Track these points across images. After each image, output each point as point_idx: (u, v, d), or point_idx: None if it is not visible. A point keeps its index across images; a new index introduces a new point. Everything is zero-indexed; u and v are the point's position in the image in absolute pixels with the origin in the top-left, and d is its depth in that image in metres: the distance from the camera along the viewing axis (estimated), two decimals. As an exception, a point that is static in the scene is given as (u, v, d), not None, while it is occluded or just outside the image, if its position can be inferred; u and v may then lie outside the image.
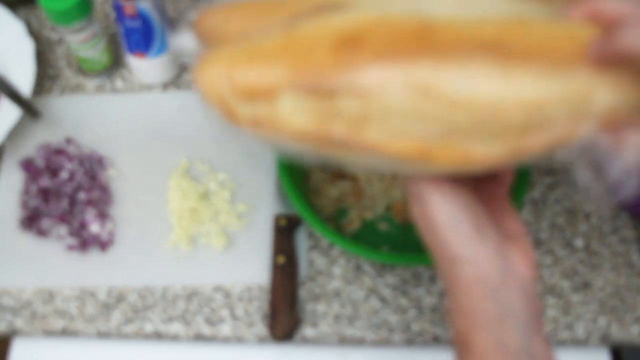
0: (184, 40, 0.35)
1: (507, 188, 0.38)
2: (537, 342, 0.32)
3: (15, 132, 0.62)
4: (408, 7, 0.29)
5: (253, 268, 0.56)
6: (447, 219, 0.32)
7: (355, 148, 0.29)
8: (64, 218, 0.58)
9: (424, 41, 0.27)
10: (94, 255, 0.57)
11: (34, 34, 0.69)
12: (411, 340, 0.54)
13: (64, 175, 0.59)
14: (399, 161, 0.30)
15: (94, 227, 0.57)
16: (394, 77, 0.27)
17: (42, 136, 0.63)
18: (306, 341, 0.54)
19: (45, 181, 0.59)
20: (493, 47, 0.27)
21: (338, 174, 0.58)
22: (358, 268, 0.57)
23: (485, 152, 0.29)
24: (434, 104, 0.27)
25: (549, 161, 0.31)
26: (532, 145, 0.29)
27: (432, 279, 0.56)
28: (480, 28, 0.27)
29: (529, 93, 0.27)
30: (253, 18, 0.32)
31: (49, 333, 0.55)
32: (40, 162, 0.61)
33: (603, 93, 0.28)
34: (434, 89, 0.27)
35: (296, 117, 0.29)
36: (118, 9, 0.57)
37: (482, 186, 0.36)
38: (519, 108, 0.27)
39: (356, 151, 0.30)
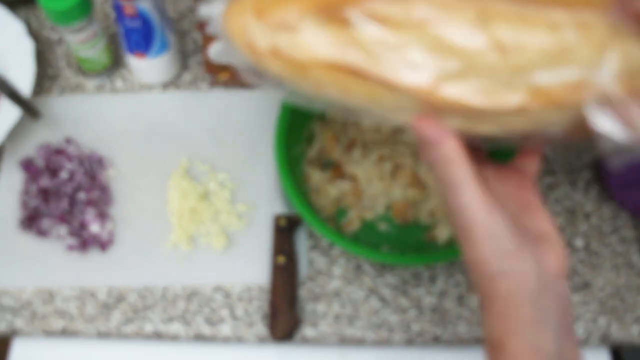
0: (213, 9, 0.36)
1: (534, 179, 0.37)
2: (569, 347, 0.32)
3: (15, 132, 0.62)
4: None
5: (253, 268, 0.56)
6: (489, 232, 0.31)
7: (370, 78, 0.30)
8: (64, 218, 0.58)
9: None
10: (94, 255, 0.57)
11: (34, 34, 0.69)
12: (411, 340, 0.54)
13: (63, 175, 0.59)
14: (406, 99, 0.30)
15: (94, 227, 0.57)
16: (414, 11, 0.28)
17: (42, 136, 0.63)
18: (306, 341, 0.54)
19: (45, 181, 0.59)
20: None
21: (338, 173, 0.58)
22: (358, 268, 0.57)
23: (504, 96, 0.29)
24: (451, 41, 0.28)
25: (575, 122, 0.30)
26: (553, 89, 0.28)
27: (432, 279, 0.56)
28: None
29: (545, 38, 0.28)
30: None
31: (49, 333, 0.55)
32: (40, 162, 0.61)
33: (619, 48, 0.28)
34: (452, 20, 0.28)
35: (315, 46, 0.30)
36: (118, 9, 0.57)
37: (508, 178, 0.36)
38: (536, 50, 0.27)
39: (369, 84, 0.30)
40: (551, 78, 0.29)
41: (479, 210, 0.31)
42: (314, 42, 0.31)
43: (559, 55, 0.28)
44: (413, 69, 0.29)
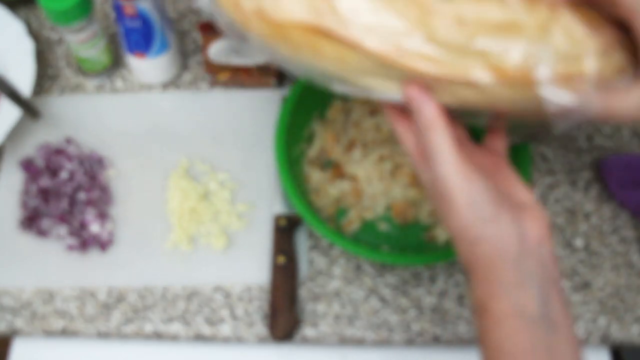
0: None
1: (505, 157, 0.39)
2: (555, 308, 0.33)
3: (15, 132, 0.62)
4: None
5: (253, 268, 0.56)
6: (469, 200, 0.33)
7: (339, 40, 0.33)
8: (64, 218, 0.58)
9: None
10: (94, 255, 0.57)
11: (34, 34, 0.69)
12: (411, 340, 0.54)
13: (63, 175, 0.59)
14: (371, 62, 0.33)
15: (94, 227, 0.58)
16: None
17: (42, 136, 0.63)
18: (306, 341, 0.54)
19: (45, 181, 0.59)
20: None
21: (338, 173, 0.58)
22: (358, 268, 0.57)
23: (458, 68, 0.32)
24: (417, 10, 0.31)
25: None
26: (502, 62, 0.31)
27: (432, 279, 0.56)
28: None
29: (498, 14, 0.31)
30: None
31: (49, 333, 0.55)
32: (40, 162, 0.61)
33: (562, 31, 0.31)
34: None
35: (293, 9, 0.33)
36: (118, 9, 0.57)
37: (485, 156, 0.38)
38: (491, 25, 0.31)
39: (339, 46, 0.33)
40: (502, 52, 0.31)
41: (458, 177, 0.33)
42: (293, 5, 0.33)
43: (510, 31, 0.31)
44: (379, 35, 0.32)
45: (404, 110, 0.37)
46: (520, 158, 0.52)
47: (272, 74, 0.64)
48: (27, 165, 0.60)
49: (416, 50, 0.32)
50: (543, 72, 0.31)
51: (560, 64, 0.31)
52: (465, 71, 0.32)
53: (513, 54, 0.31)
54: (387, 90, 0.35)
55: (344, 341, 0.54)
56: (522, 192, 0.37)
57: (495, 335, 0.33)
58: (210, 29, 0.60)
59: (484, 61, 0.32)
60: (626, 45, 0.33)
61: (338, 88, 0.37)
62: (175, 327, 0.55)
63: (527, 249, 0.34)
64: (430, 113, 0.34)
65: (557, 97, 0.32)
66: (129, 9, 0.57)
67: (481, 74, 0.32)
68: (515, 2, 0.31)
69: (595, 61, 0.32)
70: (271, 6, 0.34)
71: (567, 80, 0.31)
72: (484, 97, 0.33)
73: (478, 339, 0.35)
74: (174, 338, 0.55)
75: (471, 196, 0.33)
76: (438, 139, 0.33)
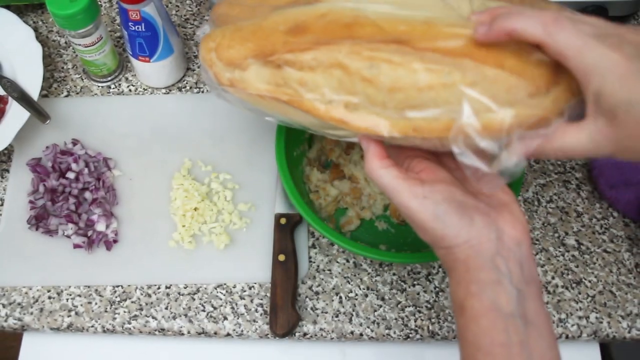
0: (205, 30, 0.47)
1: None
2: (531, 306, 0.34)
3: (24, 134, 0.64)
4: (353, 4, 0.38)
5: (254, 266, 0.58)
6: (430, 216, 0.36)
7: (298, 108, 0.38)
8: (70, 217, 0.59)
9: (349, 30, 0.36)
10: (100, 254, 0.59)
11: (42, 38, 0.71)
12: (408, 336, 0.55)
13: (70, 175, 0.61)
14: (329, 124, 0.38)
15: (100, 227, 0.59)
16: (322, 57, 0.36)
17: (49, 137, 0.64)
18: (306, 337, 0.56)
19: (52, 181, 0.60)
20: (398, 40, 0.34)
21: (337, 174, 0.60)
22: (357, 266, 0.58)
23: (390, 123, 0.36)
24: (350, 80, 0.36)
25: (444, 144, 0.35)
26: (424, 122, 0.35)
27: (429, 277, 0.58)
28: (396, 26, 0.35)
29: (419, 78, 0.34)
30: (249, 7, 0.43)
31: (57, 329, 0.56)
32: (47, 163, 0.62)
33: (481, 88, 0.33)
34: (350, 68, 0.35)
35: (257, 82, 0.40)
36: (123, 14, 0.59)
37: (449, 171, 0.39)
38: (413, 88, 0.34)
39: (299, 111, 0.39)
40: (420, 114, 0.35)
41: (415, 201, 0.36)
42: (256, 80, 0.40)
43: (428, 95, 0.34)
44: (326, 103, 0.38)
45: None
46: None
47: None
48: (35, 166, 0.62)
49: (360, 118, 0.37)
50: (464, 127, 0.33)
51: (481, 116, 0.33)
52: (399, 130, 0.36)
53: (435, 114, 0.34)
54: (347, 136, 0.40)
55: (343, 337, 0.56)
56: (502, 194, 0.38)
57: (472, 331, 0.34)
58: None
59: (411, 124, 0.35)
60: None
61: (311, 132, 0.42)
62: (179, 324, 0.56)
63: (504, 248, 0.35)
64: (371, 156, 0.38)
65: (471, 162, 0.34)
66: (133, 14, 0.58)
67: (401, 131, 0.36)
68: (436, 59, 0.34)
69: (524, 107, 0.33)
70: (240, 79, 0.40)
71: (488, 130, 0.33)
72: (409, 142, 0.37)
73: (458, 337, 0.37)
74: (178, 334, 0.56)
75: (432, 212, 0.36)
76: (384, 176, 0.37)
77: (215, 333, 0.56)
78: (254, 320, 0.56)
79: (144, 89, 0.68)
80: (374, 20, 0.36)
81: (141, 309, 0.56)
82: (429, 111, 0.34)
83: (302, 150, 0.60)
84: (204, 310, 0.56)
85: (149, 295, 0.57)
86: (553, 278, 0.57)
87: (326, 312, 0.56)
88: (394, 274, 0.58)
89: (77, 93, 0.68)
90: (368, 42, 0.35)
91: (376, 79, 0.35)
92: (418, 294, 0.57)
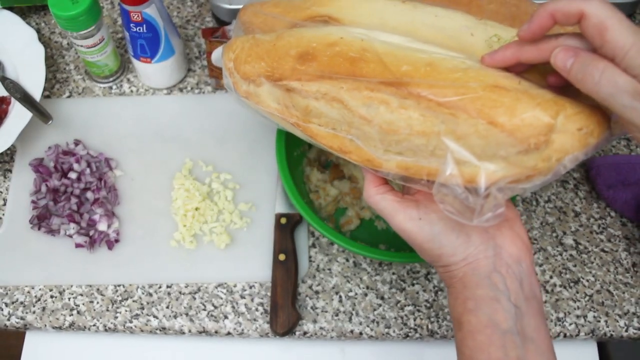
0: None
1: None
2: (530, 323, 0.34)
3: (26, 134, 0.64)
4: (365, 32, 0.39)
5: (255, 265, 0.58)
6: (427, 237, 0.37)
7: (305, 132, 0.41)
8: (72, 217, 0.59)
9: (353, 66, 0.37)
10: (101, 253, 0.59)
11: (44, 39, 0.71)
12: (408, 335, 0.56)
13: (72, 175, 0.61)
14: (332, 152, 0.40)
15: (101, 226, 0.59)
16: (325, 90, 0.38)
17: (51, 138, 0.64)
18: (306, 336, 0.56)
19: (54, 181, 0.61)
20: (398, 83, 0.35)
21: (337, 174, 0.60)
22: (356, 265, 0.59)
23: (383, 159, 0.37)
24: (350, 114, 0.37)
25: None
26: (414, 165, 0.36)
27: (429, 276, 0.58)
28: (400, 64, 0.36)
29: (413, 124, 0.35)
30: (271, 18, 0.45)
31: (59, 328, 0.57)
32: (49, 163, 0.63)
33: (473, 139, 0.33)
34: (349, 105, 0.37)
35: (269, 99, 0.42)
36: (125, 16, 0.59)
37: None
38: (406, 132, 0.35)
39: (304, 134, 0.41)
40: (410, 158, 0.36)
41: (410, 223, 0.37)
42: (268, 97, 0.42)
43: (420, 140, 0.35)
44: (329, 132, 0.39)
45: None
46: None
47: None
48: (38, 166, 0.62)
49: (356, 152, 0.39)
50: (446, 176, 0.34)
51: (462, 168, 0.34)
52: (388, 167, 0.37)
53: (423, 159, 0.36)
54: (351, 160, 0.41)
55: (343, 336, 0.56)
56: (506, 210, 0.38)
57: (469, 347, 0.35)
58: (213, 35, 0.62)
59: (400, 163, 0.37)
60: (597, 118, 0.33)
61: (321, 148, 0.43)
62: (180, 323, 0.56)
63: (502, 265, 0.35)
64: (368, 183, 0.39)
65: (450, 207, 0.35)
66: (135, 16, 0.59)
67: (389, 167, 0.37)
68: (432, 107, 0.34)
69: (510, 164, 0.33)
70: (255, 93, 0.42)
71: (468, 182, 0.34)
72: (403, 179, 0.38)
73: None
74: (179, 333, 0.57)
75: (428, 232, 0.36)
76: (380, 202, 0.38)
77: (216, 332, 0.56)
78: (255, 319, 0.56)
79: (145, 89, 0.68)
80: (380, 55, 0.36)
81: (142, 308, 0.57)
82: (419, 156, 0.35)
83: (302, 150, 0.61)
84: (204, 310, 0.57)
85: (150, 295, 0.57)
86: (551, 277, 0.58)
87: (326, 311, 0.56)
88: (393, 274, 0.58)
89: (79, 94, 0.68)
90: (369, 82, 0.36)
91: (373, 119, 0.36)
92: (417, 293, 0.57)
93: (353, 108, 0.37)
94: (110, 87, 0.68)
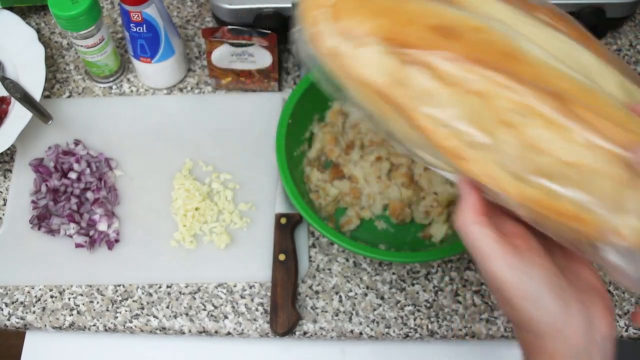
0: None
1: None
2: None
3: (26, 134, 0.64)
4: (509, 32, 0.32)
5: (255, 265, 0.58)
6: (524, 294, 0.31)
7: (406, 118, 0.32)
8: (72, 217, 0.59)
9: (506, 61, 0.30)
10: (101, 253, 0.59)
11: (44, 39, 0.72)
12: (408, 335, 0.56)
13: (72, 175, 0.61)
14: (433, 150, 0.32)
15: (101, 226, 0.59)
16: (467, 76, 0.30)
17: (51, 138, 0.64)
18: (306, 336, 0.56)
19: (54, 181, 0.61)
20: (559, 96, 0.29)
21: (337, 174, 0.60)
22: (356, 265, 0.59)
23: (513, 184, 0.30)
24: (489, 115, 0.29)
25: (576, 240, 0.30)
26: (552, 199, 0.29)
27: (429, 276, 0.58)
28: (557, 78, 0.29)
29: (573, 150, 0.28)
30: None
31: (59, 328, 0.57)
32: (49, 163, 0.63)
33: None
34: (494, 104, 0.29)
35: (369, 67, 0.32)
36: (125, 16, 0.59)
37: (542, 240, 0.34)
38: (558, 157, 0.28)
39: (404, 121, 0.32)
40: (562, 192, 0.29)
41: (512, 273, 0.31)
42: (369, 64, 0.32)
43: (579, 175, 0.28)
44: (444, 127, 0.31)
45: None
46: None
47: (273, 79, 0.66)
48: (38, 166, 0.62)
49: (478, 162, 0.31)
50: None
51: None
52: (512, 191, 0.30)
53: (571, 197, 0.29)
54: (442, 168, 0.34)
55: (343, 336, 0.56)
56: (591, 275, 0.34)
57: None
58: (213, 35, 0.62)
59: (539, 194, 0.30)
60: None
61: (395, 142, 0.35)
62: (180, 323, 0.56)
63: (593, 343, 0.31)
64: (469, 207, 0.32)
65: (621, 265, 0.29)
66: (135, 16, 0.59)
67: (532, 201, 0.30)
68: (602, 136, 0.28)
69: None
70: (348, 53, 0.33)
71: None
72: (533, 216, 0.31)
73: None
74: (179, 333, 0.57)
75: (531, 292, 0.31)
76: (476, 235, 0.32)
77: (216, 332, 0.56)
78: (255, 319, 0.56)
79: (145, 89, 0.68)
80: (532, 60, 0.30)
81: (142, 308, 0.57)
82: (566, 190, 0.29)
83: (302, 150, 0.61)
84: (204, 309, 0.57)
85: (150, 295, 0.57)
86: None
87: (326, 311, 0.56)
88: (393, 273, 0.58)
89: (79, 94, 0.68)
90: (524, 84, 0.29)
91: (520, 128, 0.29)
92: (417, 293, 0.57)
93: (497, 108, 0.29)
94: (110, 87, 0.68)
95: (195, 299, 0.57)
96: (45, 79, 0.64)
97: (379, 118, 0.34)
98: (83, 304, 0.57)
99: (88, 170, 0.62)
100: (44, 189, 0.61)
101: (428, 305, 0.57)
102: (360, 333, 0.56)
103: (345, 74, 0.34)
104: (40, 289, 0.58)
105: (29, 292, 0.58)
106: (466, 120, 0.31)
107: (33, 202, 0.61)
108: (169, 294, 0.57)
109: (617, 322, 0.55)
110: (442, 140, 0.31)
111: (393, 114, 0.33)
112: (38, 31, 0.72)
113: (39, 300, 0.57)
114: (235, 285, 0.58)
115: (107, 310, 0.57)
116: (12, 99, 0.64)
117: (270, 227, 0.59)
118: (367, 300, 0.57)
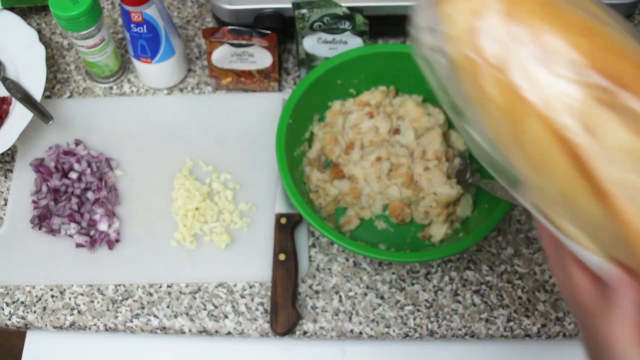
0: None
1: None
2: None
3: (27, 134, 0.64)
4: None
5: (255, 265, 0.58)
6: None
7: (584, 176, 0.24)
8: (73, 217, 0.59)
9: None
10: (102, 253, 0.59)
11: (45, 40, 0.72)
12: (408, 335, 0.56)
13: (73, 175, 0.61)
14: (606, 228, 0.24)
15: (102, 226, 0.59)
16: None
17: (52, 138, 0.65)
18: (306, 336, 0.56)
19: (55, 181, 0.61)
20: None
21: (337, 174, 0.60)
22: (356, 265, 0.59)
23: None
24: None
25: None
26: None
27: (428, 276, 0.58)
28: None
29: None
30: None
31: (59, 327, 0.57)
32: (50, 163, 0.63)
33: None
34: None
35: (556, 93, 0.24)
36: (125, 16, 0.59)
37: None
38: None
39: (575, 178, 0.24)
40: None
41: None
42: (556, 89, 0.24)
43: None
44: (623, 186, 0.23)
45: (558, 242, 0.29)
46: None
47: (274, 79, 0.66)
48: (38, 166, 0.62)
49: None
50: None
51: None
52: None
53: None
54: (585, 246, 0.26)
55: (343, 336, 0.56)
56: None
57: None
58: (213, 35, 0.62)
59: None
60: None
61: (522, 202, 0.27)
62: (180, 322, 0.56)
63: None
64: (630, 322, 0.27)
65: None
66: (135, 16, 0.59)
67: None
68: None
69: None
70: (521, 67, 0.24)
71: None
72: None
73: None
74: (179, 333, 0.57)
75: None
76: (620, 333, 0.28)
77: (216, 331, 0.56)
78: (255, 319, 0.56)
79: (145, 90, 0.68)
80: None
81: (143, 308, 0.57)
82: None
83: (302, 150, 0.61)
84: (205, 309, 0.57)
85: (151, 294, 0.58)
86: (551, 277, 0.58)
87: (326, 311, 0.57)
88: (393, 273, 0.58)
89: (80, 94, 0.68)
90: None
91: None
92: (417, 292, 0.57)
93: None
94: (111, 88, 0.69)
95: (195, 298, 0.57)
96: (46, 79, 0.64)
97: (529, 171, 0.26)
98: (84, 304, 0.57)
99: (89, 170, 0.62)
100: (44, 189, 0.61)
101: (428, 305, 0.57)
102: (360, 333, 0.56)
103: (508, 95, 0.25)
104: (41, 289, 0.58)
105: (29, 291, 0.58)
106: None
107: (34, 202, 0.61)
108: (169, 293, 0.58)
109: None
110: (631, 218, 0.23)
111: (564, 168, 0.24)
112: (39, 31, 0.72)
113: (40, 300, 0.57)
114: (235, 285, 0.58)
115: (108, 309, 0.57)
116: (13, 99, 0.64)
117: (271, 227, 0.60)
118: (367, 300, 0.57)
